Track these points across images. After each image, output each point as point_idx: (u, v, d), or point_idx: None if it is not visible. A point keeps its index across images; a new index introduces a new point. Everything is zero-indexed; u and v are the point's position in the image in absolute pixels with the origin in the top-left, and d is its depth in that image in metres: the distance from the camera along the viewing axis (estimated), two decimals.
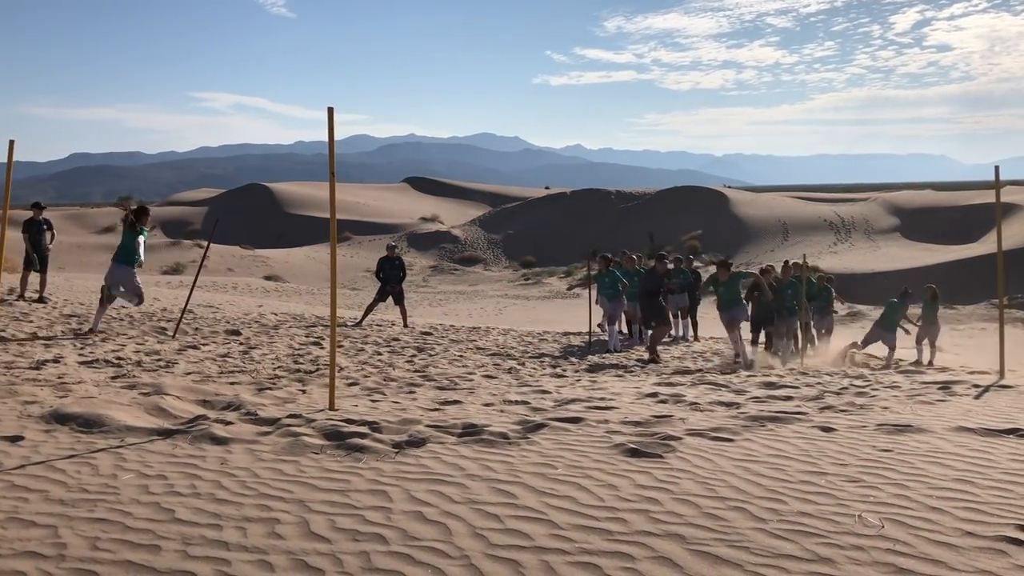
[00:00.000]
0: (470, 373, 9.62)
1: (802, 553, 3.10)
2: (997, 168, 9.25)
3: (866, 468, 4.22)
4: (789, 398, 6.65)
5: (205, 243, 60.98)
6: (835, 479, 4.02)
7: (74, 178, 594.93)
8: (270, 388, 7.14)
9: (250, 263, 54.83)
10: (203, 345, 10.98)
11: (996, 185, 9.33)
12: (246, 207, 78.32)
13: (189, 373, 8.01)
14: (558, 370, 10.93)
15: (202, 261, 14.08)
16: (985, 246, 48.53)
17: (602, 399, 6.71)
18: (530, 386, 8.10)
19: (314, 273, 51.31)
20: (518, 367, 11.03)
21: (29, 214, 15.61)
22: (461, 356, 11.91)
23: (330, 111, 5.77)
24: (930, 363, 15.73)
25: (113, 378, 7.21)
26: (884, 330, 15.85)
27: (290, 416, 5.42)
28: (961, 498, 3.71)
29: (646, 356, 13.22)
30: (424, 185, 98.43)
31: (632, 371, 11.26)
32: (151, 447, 4.60)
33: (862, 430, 5.13)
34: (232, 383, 7.50)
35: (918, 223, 58.04)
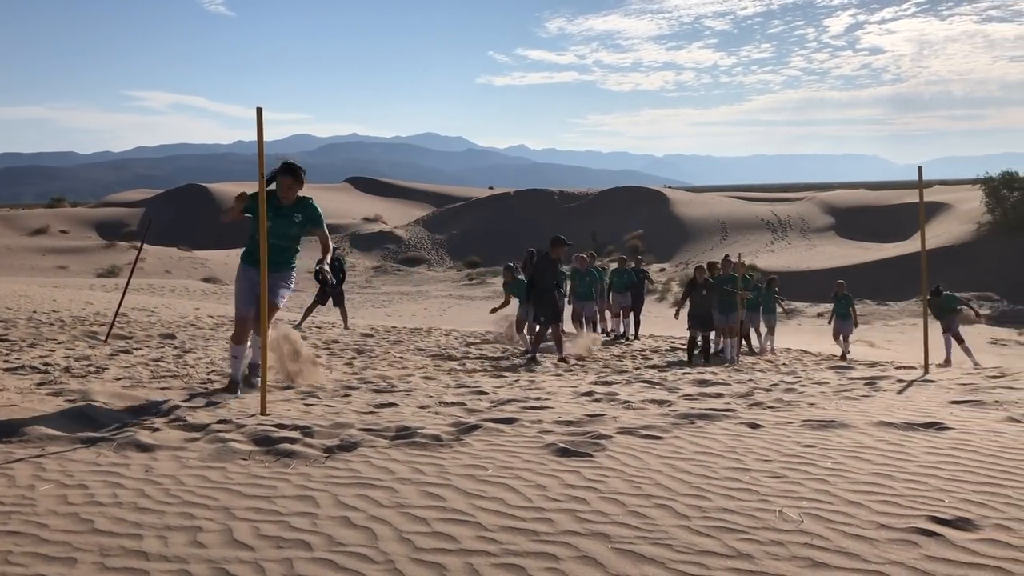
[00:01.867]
0: (409, 375, 9.58)
1: (723, 549, 3.16)
2: (920, 169, 9.53)
3: (789, 464, 4.31)
4: (720, 395, 6.76)
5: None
6: (759, 475, 4.09)
7: (2, 178, 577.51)
8: (202, 393, 7.02)
9: (188, 265, 53.86)
10: (136, 350, 10.75)
11: (920, 185, 9.60)
12: (184, 208, 76.91)
13: (119, 379, 7.83)
14: (498, 371, 10.95)
15: (135, 263, 13.79)
16: (915, 244, 49.88)
17: (538, 399, 6.74)
18: (468, 387, 8.10)
19: None
20: (458, 368, 11.02)
21: None
22: (401, 358, 11.86)
23: (259, 111, 5.70)
24: (843, 356, 16.18)
25: (39, 385, 7.01)
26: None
27: (220, 421, 5.33)
28: (878, 491, 3.81)
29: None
30: (366, 185, 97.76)
31: (572, 370, 11.33)
32: (73, 456, 4.48)
33: (788, 426, 5.24)
34: (164, 388, 7.36)
35: (852, 222, 59.49)
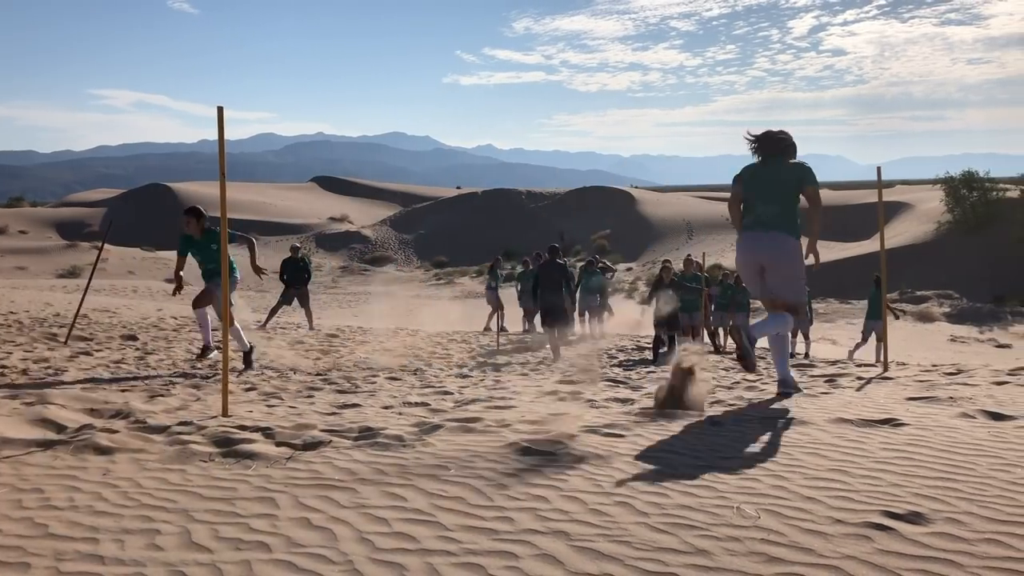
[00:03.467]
0: (373, 375, 9.55)
1: (681, 546, 3.19)
2: (879, 169, 9.67)
3: (748, 460, 4.36)
4: None
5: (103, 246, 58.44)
6: (717, 472, 4.14)
7: None
8: (163, 395, 6.95)
9: (151, 265, 53.16)
10: (96, 351, 10.61)
11: (879, 186, 9.75)
12: (147, 208, 75.94)
13: (79, 381, 7.72)
14: (464, 370, 10.94)
15: (95, 264, 13.59)
16: (877, 243, 50.59)
17: (503, 398, 6.77)
18: (433, 387, 8.10)
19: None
20: (424, 368, 11.00)
21: None
22: (366, 358, 11.81)
23: (219, 110, 5.66)
24: (806, 355, 16.35)
25: None
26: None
27: (181, 423, 5.28)
28: (834, 487, 3.87)
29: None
30: (333, 184, 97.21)
31: (537, 369, 11.36)
32: (29, 459, 4.42)
33: (748, 423, 5.31)
34: (124, 391, 7.27)
35: None
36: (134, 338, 12.44)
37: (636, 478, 4.04)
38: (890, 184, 76.60)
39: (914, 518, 3.42)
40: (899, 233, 49.35)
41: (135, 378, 8.35)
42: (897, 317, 16.88)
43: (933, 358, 19.91)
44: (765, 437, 4.89)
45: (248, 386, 7.91)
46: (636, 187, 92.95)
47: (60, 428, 5.17)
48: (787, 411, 5.69)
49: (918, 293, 41.34)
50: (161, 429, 5.13)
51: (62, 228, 69.77)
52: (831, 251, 51.26)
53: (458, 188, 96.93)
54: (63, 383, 7.57)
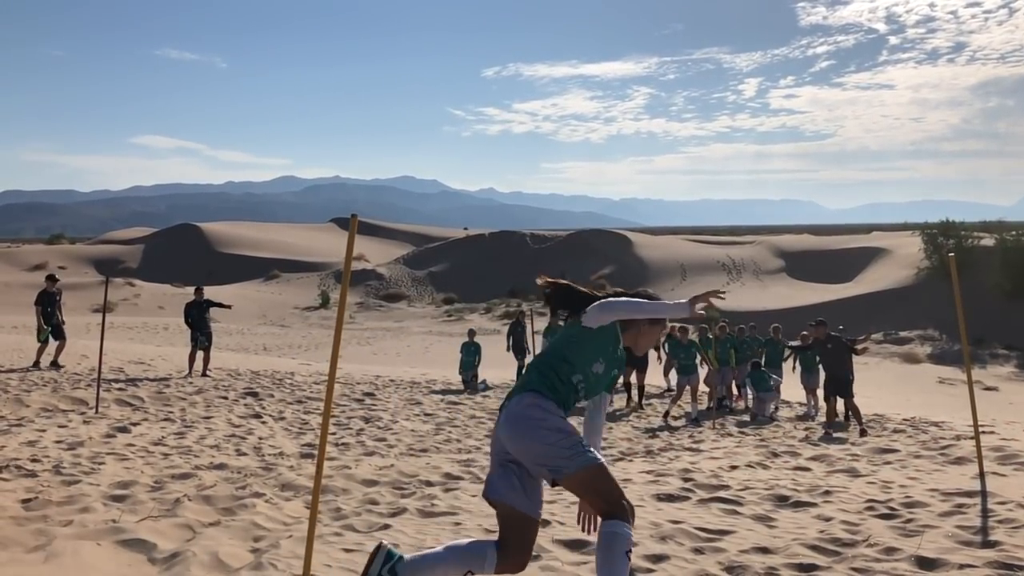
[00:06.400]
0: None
1: None
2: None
3: None
4: None
5: (136, 282, 57.11)
6: None
7: (5, 215, 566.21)
8: (216, 520, 5.54)
9: (181, 301, 51.85)
10: (133, 425, 9.31)
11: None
12: (177, 246, 74.82)
13: (115, 483, 6.36)
14: None
15: (103, 325, 12.32)
16: (859, 286, 49.43)
17: None
18: None
19: (243, 311, 48.83)
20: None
21: None
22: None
23: (353, 218, 4.46)
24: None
25: (25, 503, 5.54)
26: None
27: None
28: None
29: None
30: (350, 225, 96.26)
31: None
32: None
33: None
34: (165, 512, 5.67)
35: (801, 264, 59.05)
36: (169, 404, 11.13)
37: None
38: (866, 229, 75.81)
39: None
40: (882, 276, 48.28)
41: (177, 471, 7.00)
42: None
43: (926, 402, 18.55)
44: None
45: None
46: (629, 229, 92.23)
47: None
48: None
49: (901, 334, 40.21)
50: None
51: (99, 265, 68.55)
52: (817, 293, 50.11)
53: (465, 229, 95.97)
54: (100, 487, 6.19)
